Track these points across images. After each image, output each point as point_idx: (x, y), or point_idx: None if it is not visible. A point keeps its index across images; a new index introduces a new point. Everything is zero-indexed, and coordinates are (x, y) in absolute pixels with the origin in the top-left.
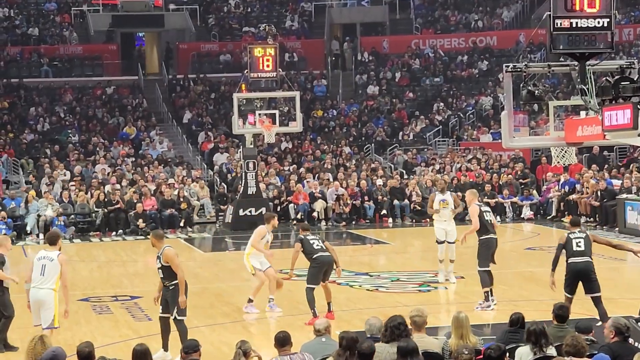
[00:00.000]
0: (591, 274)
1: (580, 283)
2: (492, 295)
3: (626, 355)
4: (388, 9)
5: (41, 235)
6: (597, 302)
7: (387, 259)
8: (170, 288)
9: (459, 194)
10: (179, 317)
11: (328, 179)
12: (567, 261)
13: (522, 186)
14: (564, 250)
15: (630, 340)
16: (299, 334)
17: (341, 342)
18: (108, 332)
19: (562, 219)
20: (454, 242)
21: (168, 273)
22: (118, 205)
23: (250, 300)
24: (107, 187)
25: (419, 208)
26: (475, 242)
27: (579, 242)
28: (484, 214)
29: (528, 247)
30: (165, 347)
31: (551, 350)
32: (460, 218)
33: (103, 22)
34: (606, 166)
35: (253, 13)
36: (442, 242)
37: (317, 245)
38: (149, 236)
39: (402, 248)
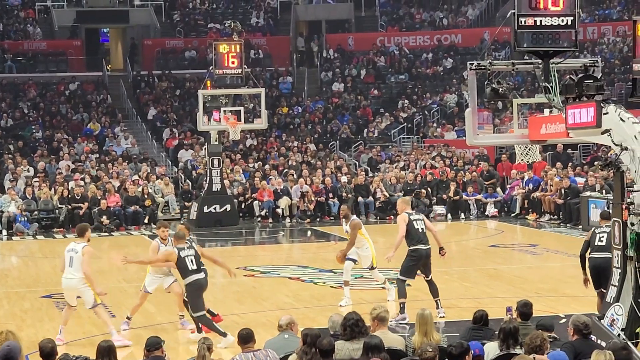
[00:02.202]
0: (609, 271)
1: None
2: (438, 307)
3: (588, 353)
4: (353, 7)
5: (4, 232)
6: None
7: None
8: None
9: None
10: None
11: (293, 175)
12: (589, 256)
13: (487, 184)
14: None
15: (593, 337)
16: (263, 330)
17: (305, 339)
18: (72, 329)
19: (526, 217)
20: (371, 268)
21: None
22: (84, 207)
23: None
24: (71, 184)
25: (382, 206)
26: (443, 238)
27: (602, 236)
28: (414, 222)
29: (492, 245)
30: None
31: (518, 351)
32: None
33: (67, 17)
34: (570, 164)
35: (218, 9)
36: (351, 260)
37: (192, 265)
38: (112, 233)
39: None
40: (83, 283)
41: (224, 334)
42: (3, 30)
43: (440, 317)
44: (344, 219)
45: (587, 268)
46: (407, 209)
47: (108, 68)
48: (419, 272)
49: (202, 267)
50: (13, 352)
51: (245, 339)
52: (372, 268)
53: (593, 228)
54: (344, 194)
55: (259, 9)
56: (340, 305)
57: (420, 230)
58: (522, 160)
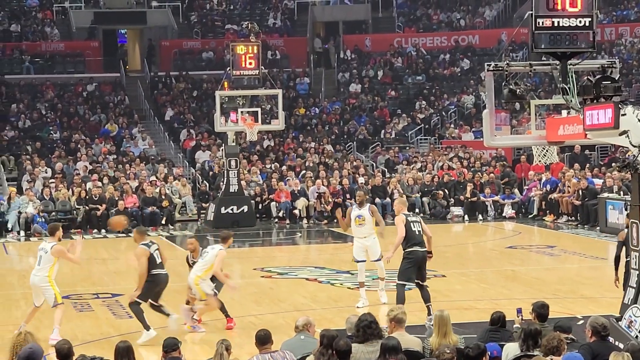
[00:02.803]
0: None
1: None
2: (430, 314)
3: (606, 354)
4: (371, 7)
5: (22, 233)
6: None
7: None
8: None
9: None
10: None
11: (310, 177)
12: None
13: (504, 185)
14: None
15: (611, 339)
16: (280, 332)
17: (322, 340)
18: (89, 330)
19: (544, 218)
20: (378, 260)
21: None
22: (101, 208)
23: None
24: (89, 185)
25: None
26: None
27: None
28: (412, 224)
29: (509, 246)
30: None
31: (537, 352)
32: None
33: (85, 18)
34: (587, 165)
35: (236, 10)
36: (362, 261)
37: (158, 258)
38: (130, 234)
39: (383, 246)
40: (45, 282)
41: (147, 327)
42: (21, 31)
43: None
44: (358, 205)
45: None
46: (404, 210)
47: (125, 69)
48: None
49: (163, 264)
50: (36, 354)
51: (263, 340)
52: (379, 259)
53: (626, 229)
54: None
55: (276, 10)
56: (358, 307)
57: (417, 232)
58: (539, 161)
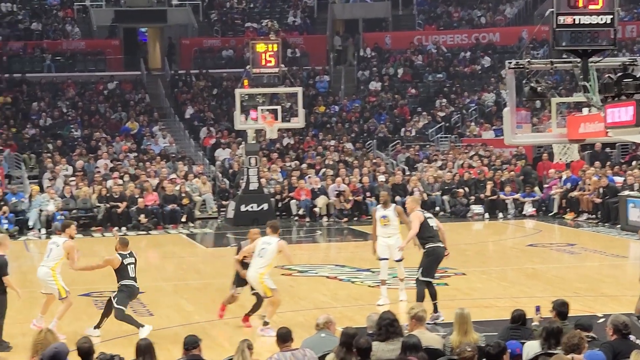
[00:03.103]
0: None
1: None
2: (436, 311)
3: (627, 352)
4: (390, 5)
5: (43, 230)
6: None
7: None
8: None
9: (411, 199)
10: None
11: (330, 175)
12: None
13: (525, 183)
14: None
15: (632, 337)
16: (301, 329)
17: (342, 338)
18: (110, 328)
19: (564, 216)
20: (400, 260)
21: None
22: (122, 206)
23: (266, 323)
24: (109, 182)
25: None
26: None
27: None
28: (428, 220)
29: (530, 244)
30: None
31: (559, 351)
32: None
33: (106, 17)
34: (608, 163)
35: (255, 9)
36: (384, 259)
37: (132, 272)
38: (150, 231)
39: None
40: (50, 276)
41: (140, 325)
42: (42, 29)
43: (441, 320)
44: (382, 205)
45: None
46: (417, 208)
47: (146, 67)
48: None
49: (136, 278)
50: (61, 354)
51: (284, 337)
52: (400, 260)
53: None
54: (380, 194)
55: (296, 7)
56: (378, 305)
57: (435, 229)
58: (560, 159)
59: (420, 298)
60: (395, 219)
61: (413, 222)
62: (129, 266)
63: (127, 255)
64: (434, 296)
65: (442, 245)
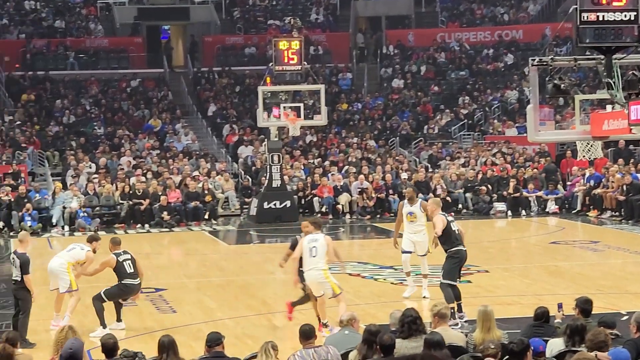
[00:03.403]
0: None
1: None
2: (460, 311)
3: None
4: (414, 2)
5: (66, 227)
6: None
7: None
8: None
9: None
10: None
11: (353, 172)
12: None
13: (548, 181)
14: None
15: None
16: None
17: (365, 335)
18: (132, 325)
19: (587, 213)
20: (424, 255)
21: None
22: (145, 203)
23: (325, 325)
24: (132, 180)
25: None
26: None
27: None
28: (451, 224)
29: (553, 241)
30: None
31: (583, 348)
32: None
33: (129, 14)
34: (632, 160)
35: (278, 6)
36: (408, 252)
37: (129, 268)
38: (173, 229)
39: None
40: (64, 267)
41: (104, 325)
42: (65, 27)
43: (465, 321)
44: (408, 201)
45: None
46: (438, 210)
47: (169, 65)
48: None
49: (137, 274)
50: (76, 353)
51: (307, 334)
52: (424, 255)
53: None
54: (404, 191)
55: (319, 5)
56: (405, 297)
57: (457, 232)
58: (583, 156)
59: (449, 300)
60: (421, 215)
61: (436, 224)
62: (124, 263)
63: (122, 253)
64: (457, 297)
65: (464, 249)
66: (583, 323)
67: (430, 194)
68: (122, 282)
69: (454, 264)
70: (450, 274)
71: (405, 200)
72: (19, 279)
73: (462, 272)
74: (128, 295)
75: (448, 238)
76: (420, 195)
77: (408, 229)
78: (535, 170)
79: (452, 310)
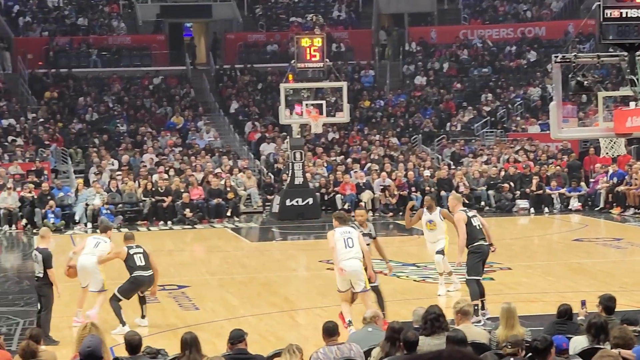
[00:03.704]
0: None
1: None
2: (483, 308)
3: None
4: None
5: (89, 225)
6: None
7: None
8: None
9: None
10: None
11: (375, 170)
12: None
13: (571, 178)
14: None
15: None
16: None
17: (388, 332)
18: (155, 322)
19: (610, 211)
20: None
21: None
22: (167, 200)
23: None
24: (155, 177)
25: (466, 201)
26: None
27: None
28: (472, 219)
29: (576, 239)
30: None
31: (607, 345)
32: None
33: (151, 12)
34: None
35: (300, 3)
36: (440, 253)
37: (140, 261)
38: (195, 226)
39: (450, 239)
40: (98, 268)
41: (123, 323)
42: (88, 25)
43: (488, 318)
44: (427, 210)
45: None
46: (459, 206)
47: (191, 62)
48: None
49: (149, 267)
50: (94, 351)
51: (330, 332)
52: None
53: None
54: (427, 188)
55: (341, 2)
56: (439, 295)
57: (478, 227)
58: (607, 153)
59: (474, 297)
60: (441, 222)
61: (459, 226)
62: (135, 255)
63: (134, 247)
64: (482, 294)
65: (486, 244)
66: (605, 320)
67: (453, 191)
68: (133, 275)
69: (477, 259)
70: (475, 269)
71: (425, 209)
72: (41, 275)
73: (484, 269)
74: (139, 287)
75: (469, 234)
76: (442, 193)
77: (428, 238)
78: (558, 167)
79: (476, 307)
